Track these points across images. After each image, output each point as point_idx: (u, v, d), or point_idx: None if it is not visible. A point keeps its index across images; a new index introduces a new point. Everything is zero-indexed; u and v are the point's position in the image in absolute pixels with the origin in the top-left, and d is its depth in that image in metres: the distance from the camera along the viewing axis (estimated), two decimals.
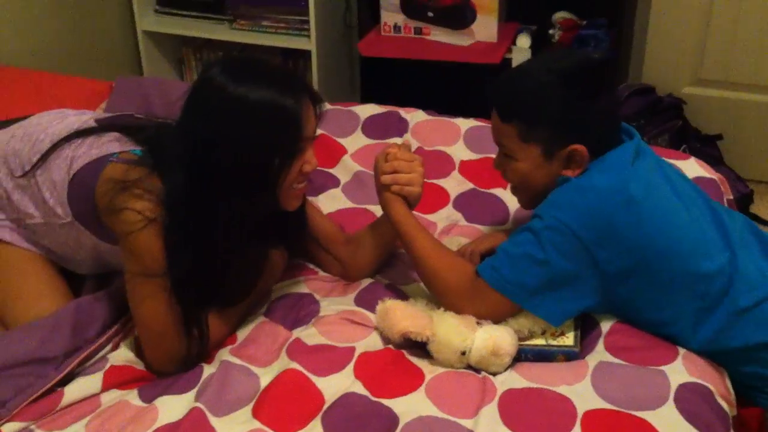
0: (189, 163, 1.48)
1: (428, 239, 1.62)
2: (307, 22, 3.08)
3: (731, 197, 2.03)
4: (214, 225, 1.49)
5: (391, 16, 3.02)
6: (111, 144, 1.60)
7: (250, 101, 1.44)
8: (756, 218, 2.77)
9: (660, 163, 1.62)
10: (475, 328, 1.52)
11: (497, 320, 1.55)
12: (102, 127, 1.66)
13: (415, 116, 2.23)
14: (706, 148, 2.85)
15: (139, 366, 1.56)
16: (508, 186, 1.94)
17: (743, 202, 2.77)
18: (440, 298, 1.59)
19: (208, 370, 1.52)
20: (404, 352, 1.54)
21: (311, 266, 1.82)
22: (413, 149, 2.12)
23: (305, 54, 3.16)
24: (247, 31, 3.20)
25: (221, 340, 1.60)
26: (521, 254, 1.51)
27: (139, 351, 1.58)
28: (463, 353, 1.50)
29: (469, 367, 1.52)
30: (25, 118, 1.81)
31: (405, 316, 1.53)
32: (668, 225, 1.49)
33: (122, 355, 1.57)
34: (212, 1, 3.22)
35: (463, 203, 1.98)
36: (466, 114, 2.27)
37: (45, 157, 1.62)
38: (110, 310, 1.62)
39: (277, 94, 1.45)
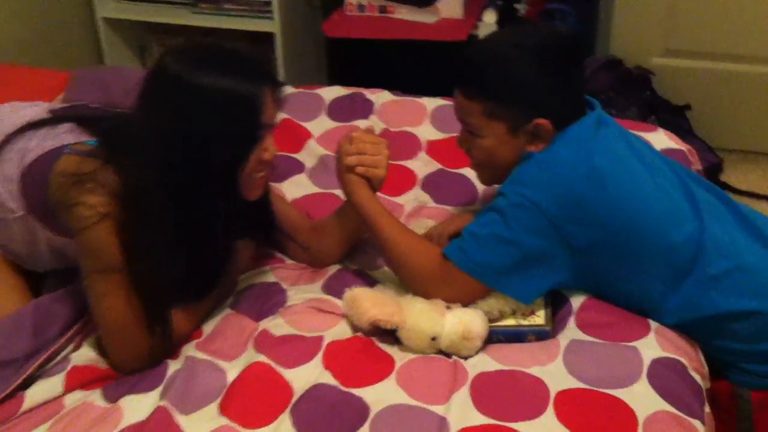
0: (144, 154, 1.44)
1: (393, 223, 1.59)
2: (270, 3, 3.02)
3: (700, 168, 2.02)
4: (172, 218, 1.45)
5: None
6: (65, 135, 1.55)
7: (204, 89, 1.40)
8: (726, 186, 2.77)
9: (624, 133, 1.60)
10: (444, 312, 1.49)
11: (467, 303, 1.52)
12: (56, 118, 1.61)
13: (380, 97, 2.19)
14: (676, 119, 2.84)
15: (103, 365, 1.52)
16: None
17: (713, 171, 2.77)
18: (408, 284, 1.56)
19: (173, 366, 1.48)
20: (374, 339, 1.51)
21: (278, 255, 1.78)
22: (378, 131, 2.08)
23: (269, 37, 3.11)
24: (210, 15, 3.15)
25: (187, 334, 1.57)
26: (488, 234, 1.49)
27: (102, 349, 1.54)
28: (434, 338, 1.48)
29: (440, 352, 1.50)
30: None
31: (373, 303, 1.50)
32: (634, 195, 1.47)
33: (85, 355, 1.52)
34: None
35: (430, 184, 1.95)
36: (434, 93, 2.23)
37: None
38: (71, 309, 1.58)
39: (233, 81, 1.41)
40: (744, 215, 1.56)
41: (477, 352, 1.49)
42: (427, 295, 1.53)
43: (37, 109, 1.67)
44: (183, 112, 1.41)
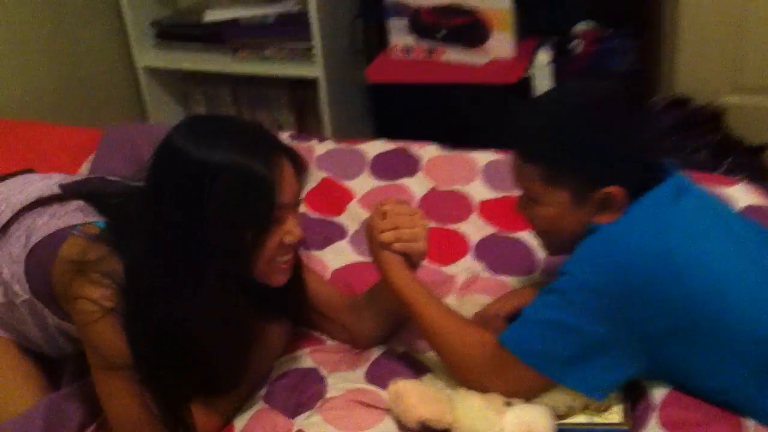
0: (150, 238, 1.29)
1: (437, 307, 1.41)
2: (312, 48, 2.89)
3: None
4: (183, 310, 1.30)
5: (401, 38, 2.82)
6: (74, 214, 1.42)
7: (212, 165, 1.24)
8: None
9: (708, 202, 1.41)
10: (502, 410, 1.31)
11: (529, 397, 1.34)
12: (66, 194, 1.48)
13: (427, 152, 2.03)
14: (752, 161, 2.61)
15: None
16: None
17: None
18: (457, 376, 1.38)
19: None
20: None
21: (317, 334, 1.62)
22: (426, 191, 1.92)
23: (312, 83, 2.98)
24: (250, 61, 3.03)
25: (215, 431, 1.41)
26: (547, 320, 1.31)
27: None
28: None
29: None
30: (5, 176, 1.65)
31: (421, 400, 1.32)
32: (718, 279, 1.28)
33: None
34: (212, 32, 3.05)
35: (484, 251, 1.77)
36: (485, 140, 2.06)
37: (5, 228, 1.46)
38: (87, 406, 1.44)
39: (242, 156, 1.25)
40: None
41: None
42: (481, 389, 1.34)
43: (49, 182, 1.54)
44: (188, 192, 1.26)
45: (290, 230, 1.32)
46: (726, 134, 2.66)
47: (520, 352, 1.31)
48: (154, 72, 3.15)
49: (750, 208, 1.72)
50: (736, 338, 1.27)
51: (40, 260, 1.39)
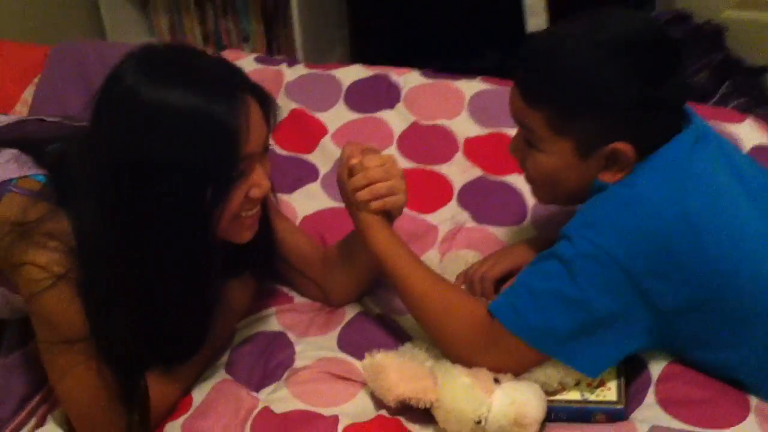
0: (100, 191, 1.13)
1: (423, 273, 1.27)
2: None
3: None
4: (141, 270, 1.15)
5: None
6: (7, 166, 1.23)
7: (167, 108, 1.07)
8: None
9: (727, 152, 1.25)
10: (491, 388, 1.18)
11: (519, 372, 1.22)
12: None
13: (408, 79, 1.84)
14: (753, 83, 2.45)
15: None
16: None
17: None
18: (443, 348, 1.25)
19: None
20: (401, 419, 1.21)
21: (285, 289, 1.48)
22: (407, 125, 1.75)
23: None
24: None
25: (172, 403, 1.28)
26: (548, 290, 1.17)
27: (71, 426, 1.26)
28: (478, 422, 1.18)
29: None
30: None
31: (401, 377, 1.20)
32: (740, 242, 1.14)
33: None
34: None
35: (470, 197, 1.61)
36: (472, 63, 1.89)
37: None
38: (30, 376, 1.31)
39: (203, 99, 1.07)
40: None
41: None
42: (468, 363, 1.22)
43: None
44: (138, 139, 1.08)
45: (257, 182, 1.16)
46: (727, 54, 2.49)
47: (513, 325, 1.18)
48: None
49: (757, 149, 1.58)
50: (756, 309, 1.15)
51: None
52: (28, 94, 1.92)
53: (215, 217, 1.14)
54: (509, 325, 1.18)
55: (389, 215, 1.30)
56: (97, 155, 1.13)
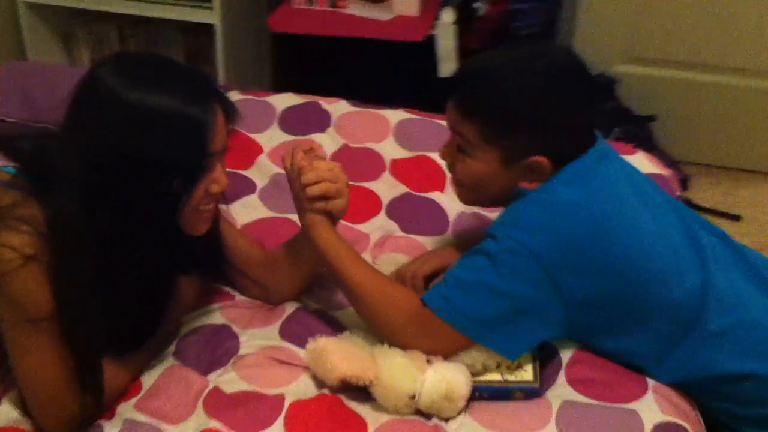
0: (74, 183, 1.22)
1: (363, 268, 1.39)
2: None
3: (680, 194, 1.89)
4: (108, 257, 1.24)
5: None
6: None
7: (144, 109, 1.18)
8: (689, 203, 2.66)
9: (626, 170, 1.45)
10: (424, 367, 1.32)
11: (448, 355, 1.35)
12: None
13: (338, 107, 2.00)
14: (639, 130, 2.72)
15: (27, 425, 1.30)
16: (446, 185, 1.76)
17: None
18: (381, 334, 1.38)
19: (109, 430, 1.28)
20: (341, 397, 1.33)
21: (227, 289, 1.58)
22: (337, 147, 1.89)
23: (208, 29, 2.87)
24: (144, 3, 2.88)
25: (122, 388, 1.36)
26: (475, 281, 1.32)
27: (26, 408, 1.32)
28: (412, 397, 1.31)
29: (418, 412, 1.32)
30: None
31: (342, 358, 1.32)
32: (636, 243, 1.32)
33: (6, 414, 1.31)
34: None
35: (397, 210, 1.77)
36: (389, 98, 2.05)
37: None
38: None
39: (178, 101, 1.20)
40: (749, 262, 1.42)
41: (459, 413, 1.32)
42: (403, 347, 1.35)
43: None
44: (116, 135, 1.19)
45: (218, 179, 1.28)
46: (618, 103, 2.76)
47: (444, 313, 1.32)
48: (35, 7, 2.95)
49: (650, 176, 1.78)
50: (652, 302, 1.32)
51: None
52: None
53: (180, 205, 1.25)
54: (440, 313, 1.33)
55: (333, 217, 1.43)
56: (74, 149, 1.22)
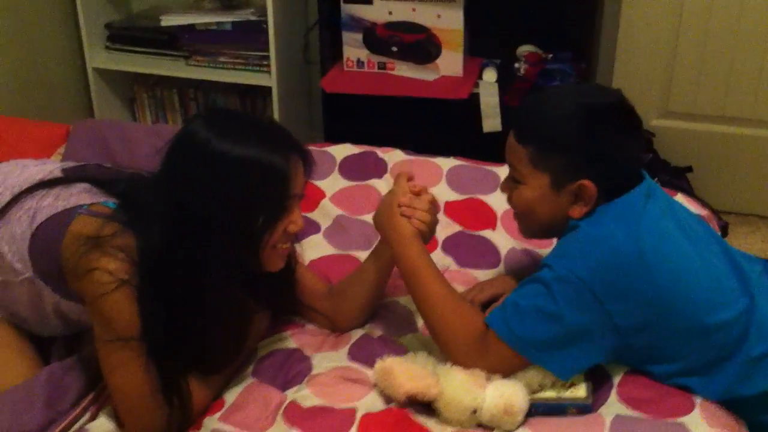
0: (168, 219, 1.37)
1: (441, 280, 1.52)
2: (267, 57, 2.98)
3: (719, 233, 1.99)
4: (193, 286, 1.39)
5: (354, 51, 2.94)
6: (80, 195, 1.48)
7: (235, 157, 1.35)
8: None
9: (670, 205, 1.57)
10: (484, 384, 1.43)
11: (507, 374, 1.46)
12: (70, 177, 1.54)
13: (392, 156, 2.15)
14: (677, 181, 2.83)
15: None
16: (498, 224, 1.89)
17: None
18: (445, 348, 1.49)
19: None
20: (409, 411, 1.44)
21: (296, 319, 1.70)
22: None
23: (265, 91, 3.06)
24: (204, 68, 3.09)
25: (206, 405, 1.48)
26: (531, 306, 1.43)
27: (119, 421, 1.45)
28: (474, 411, 1.41)
29: (480, 425, 1.43)
30: None
31: (408, 376, 1.43)
32: (682, 275, 1.43)
33: (102, 426, 1.44)
34: (166, 37, 3.11)
35: (452, 247, 1.90)
36: (435, 151, 2.20)
37: (5, 209, 1.50)
38: (85, 377, 1.49)
39: (264, 151, 1.36)
40: None
41: (518, 427, 1.42)
42: (464, 364, 1.46)
43: (47, 168, 1.59)
44: (211, 179, 1.36)
45: (295, 220, 1.43)
46: (655, 155, 2.88)
47: (503, 334, 1.44)
48: (103, 73, 3.18)
49: None
50: (696, 327, 1.42)
51: (47, 238, 1.43)
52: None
53: (262, 242, 1.40)
54: (500, 334, 1.44)
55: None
56: (169, 189, 1.38)
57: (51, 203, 1.48)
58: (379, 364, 1.48)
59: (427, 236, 1.56)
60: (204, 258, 1.38)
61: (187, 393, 1.44)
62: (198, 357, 1.46)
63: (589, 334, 1.42)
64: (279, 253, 1.47)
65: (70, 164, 1.65)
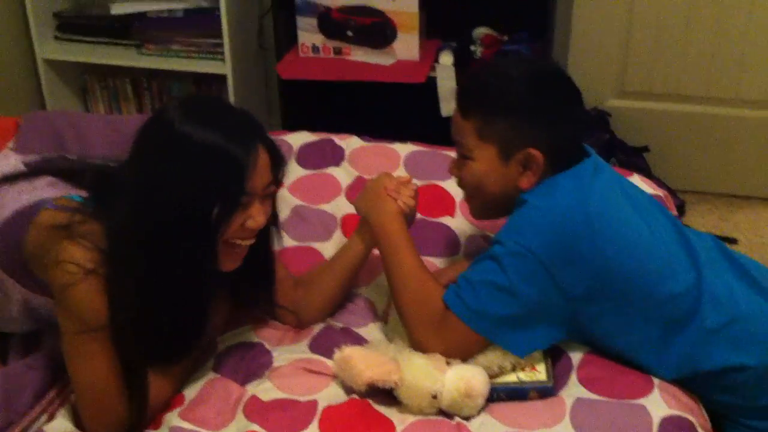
0: (132, 204, 1.35)
1: (416, 258, 1.55)
2: (221, 45, 2.94)
3: (676, 213, 2.01)
4: (155, 273, 1.36)
5: (309, 36, 2.91)
6: (45, 189, 1.45)
7: (192, 141, 1.32)
8: None
9: (618, 179, 1.59)
10: (444, 368, 1.43)
11: (465, 357, 1.47)
12: (33, 170, 1.50)
13: (350, 143, 2.13)
14: (634, 160, 2.85)
15: None
16: (456, 211, 1.88)
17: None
18: (408, 326, 1.51)
19: None
20: (370, 401, 1.44)
21: (259, 314, 1.68)
22: (351, 179, 2.02)
23: (219, 78, 3.02)
24: (157, 56, 3.04)
25: (166, 399, 1.46)
26: (484, 281, 1.45)
27: (78, 420, 1.42)
28: (434, 396, 1.41)
29: (441, 412, 1.43)
30: None
31: (368, 364, 1.43)
32: (630, 244, 1.45)
33: (60, 426, 1.41)
34: (117, 25, 3.05)
35: (411, 235, 1.88)
36: (394, 136, 2.18)
37: None
38: (43, 376, 1.47)
39: (224, 139, 1.33)
40: (740, 263, 1.55)
41: (479, 412, 1.42)
42: (425, 341, 1.47)
43: (9, 161, 1.55)
44: (168, 161, 1.33)
45: (254, 215, 1.39)
46: (612, 135, 2.90)
47: (457, 309, 1.45)
48: (53, 64, 3.11)
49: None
50: (646, 298, 1.44)
51: (12, 233, 1.41)
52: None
53: (216, 233, 1.37)
54: (454, 309, 1.45)
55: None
56: (136, 174, 1.36)
57: (14, 197, 1.45)
58: (338, 354, 1.47)
59: (409, 220, 1.60)
60: (165, 244, 1.34)
61: (147, 387, 1.41)
62: (159, 346, 1.43)
63: (542, 307, 1.44)
64: (235, 251, 1.43)
65: (32, 157, 1.61)
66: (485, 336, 1.45)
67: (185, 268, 1.38)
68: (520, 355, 1.46)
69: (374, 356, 1.45)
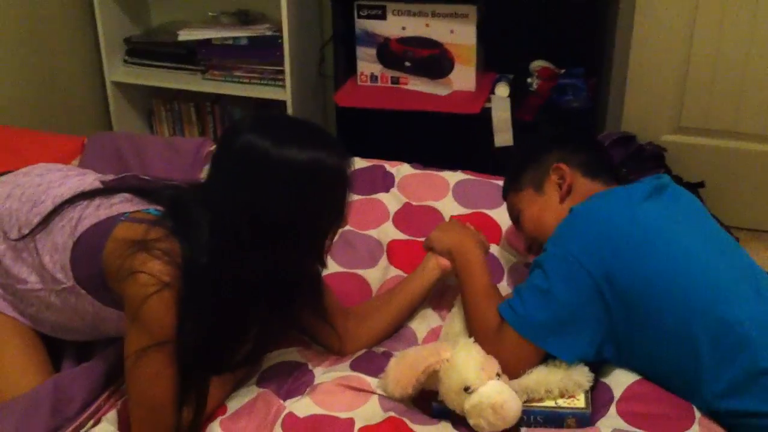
0: (222, 227, 1.40)
1: (489, 280, 1.66)
2: (282, 72, 3.02)
3: None
4: (240, 291, 1.42)
5: (368, 65, 2.98)
6: (121, 205, 1.50)
7: (300, 162, 1.37)
8: None
9: (686, 198, 1.62)
10: (492, 375, 1.45)
11: (521, 369, 1.50)
12: (111, 188, 1.57)
13: (400, 170, 2.17)
14: None
15: None
16: (502, 241, 1.91)
17: None
18: (475, 337, 1.55)
19: None
20: (406, 420, 1.45)
21: (304, 338, 1.71)
22: (400, 205, 2.06)
23: (279, 104, 3.10)
24: (220, 82, 3.14)
25: (215, 408, 1.51)
26: (529, 287, 1.52)
27: (122, 425, 1.47)
28: (467, 389, 1.43)
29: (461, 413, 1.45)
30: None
31: (422, 355, 1.48)
32: (674, 258, 1.46)
33: (105, 430, 1.46)
34: (184, 52, 3.16)
35: None
36: (446, 165, 2.22)
37: (47, 219, 1.52)
38: (91, 385, 1.52)
39: (323, 154, 1.39)
40: None
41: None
42: (487, 352, 1.51)
43: (87, 179, 1.62)
44: (277, 186, 1.38)
45: (347, 219, 1.50)
46: (667, 170, 2.88)
47: (508, 316, 1.51)
48: (121, 86, 3.23)
49: None
50: (693, 315, 1.42)
51: (90, 245, 1.45)
52: None
53: (326, 242, 1.47)
54: (505, 315, 1.52)
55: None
56: (217, 198, 1.41)
57: (92, 212, 1.50)
58: (394, 358, 1.52)
59: (485, 252, 1.73)
60: (261, 263, 1.41)
61: (206, 400, 1.46)
62: (225, 359, 1.50)
63: (584, 312, 1.47)
64: (328, 251, 1.52)
65: (109, 176, 1.68)
66: (532, 340, 1.48)
67: (277, 285, 1.45)
68: (568, 360, 1.48)
69: (428, 346, 1.52)
